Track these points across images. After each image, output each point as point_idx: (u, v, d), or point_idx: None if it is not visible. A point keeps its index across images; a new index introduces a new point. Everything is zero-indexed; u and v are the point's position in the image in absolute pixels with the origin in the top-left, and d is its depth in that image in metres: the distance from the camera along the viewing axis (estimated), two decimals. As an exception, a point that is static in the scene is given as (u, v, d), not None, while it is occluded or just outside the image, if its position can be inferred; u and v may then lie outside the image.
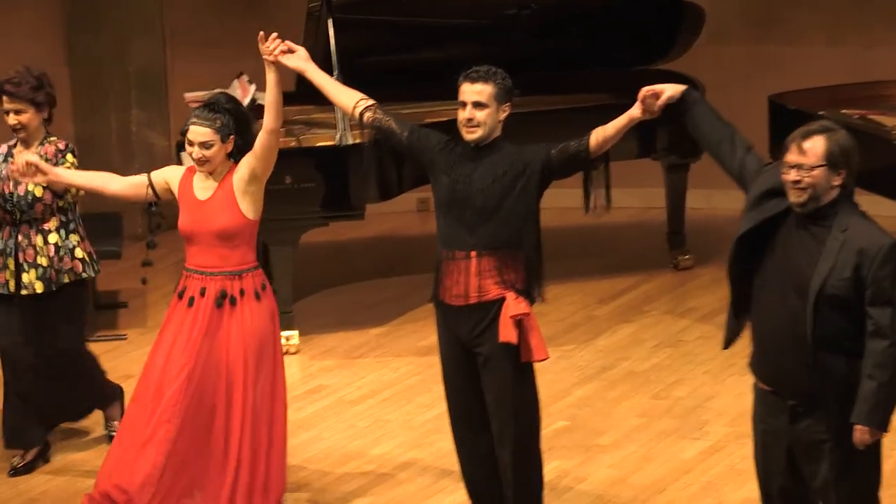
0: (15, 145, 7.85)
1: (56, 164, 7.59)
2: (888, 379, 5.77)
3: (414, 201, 11.81)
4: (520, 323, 6.61)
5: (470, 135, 6.65)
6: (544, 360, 6.73)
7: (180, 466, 7.07)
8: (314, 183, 9.37)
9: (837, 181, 5.83)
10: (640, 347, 9.35)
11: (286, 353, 9.43)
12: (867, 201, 10.28)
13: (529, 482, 6.88)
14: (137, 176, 7.31)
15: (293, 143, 9.79)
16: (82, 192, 7.66)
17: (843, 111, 9.94)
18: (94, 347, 8.56)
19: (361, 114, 6.92)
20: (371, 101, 6.96)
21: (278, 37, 7.08)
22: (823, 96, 10.16)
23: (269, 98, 7.00)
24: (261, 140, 7.04)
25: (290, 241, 9.46)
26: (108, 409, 8.28)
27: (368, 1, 10.06)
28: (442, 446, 8.13)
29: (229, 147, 7.08)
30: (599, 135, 6.69)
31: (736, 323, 6.12)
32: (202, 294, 7.07)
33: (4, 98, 7.72)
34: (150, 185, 7.21)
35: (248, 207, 7.07)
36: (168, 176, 7.22)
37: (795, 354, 5.84)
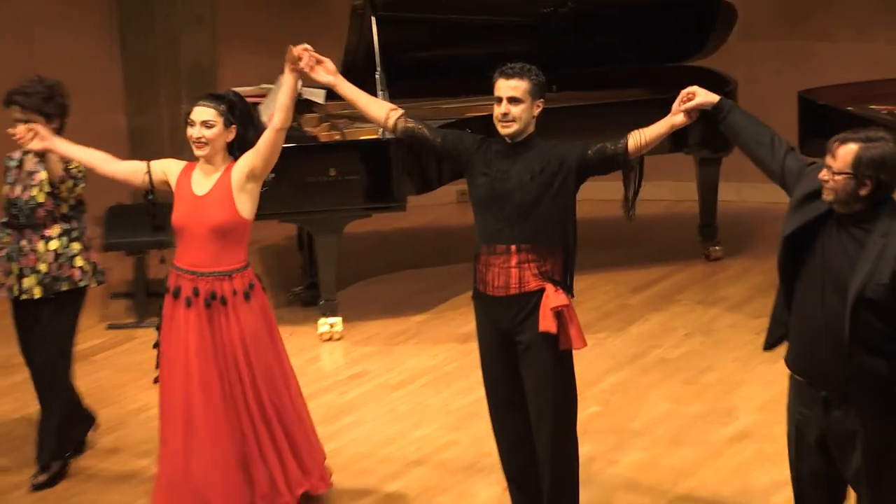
0: (27, 153, 7.60)
1: (66, 175, 7.45)
2: None
3: (454, 193, 11.79)
4: (559, 314, 6.61)
5: (506, 129, 6.62)
6: (582, 348, 6.71)
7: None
8: (358, 175, 9.35)
9: (864, 192, 5.80)
10: (672, 335, 9.33)
11: (330, 339, 9.45)
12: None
13: (566, 466, 6.86)
14: (137, 162, 7.12)
15: (337, 137, 9.79)
16: (78, 192, 7.49)
17: (872, 106, 9.89)
18: (145, 333, 8.56)
19: (395, 124, 6.85)
20: (401, 111, 6.90)
21: (308, 49, 7.03)
22: (852, 92, 10.10)
23: (283, 100, 6.92)
24: (266, 136, 6.95)
25: (334, 230, 9.45)
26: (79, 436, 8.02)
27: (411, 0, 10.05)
28: (479, 430, 8.11)
29: (230, 136, 6.96)
30: (638, 139, 6.65)
31: (781, 323, 6.08)
32: (196, 294, 6.92)
33: (15, 108, 7.44)
34: (149, 172, 7.04)
35: (244, 206, 6.94)
36: (167, 168, 7.06)
37: (831, 350, 5.83)
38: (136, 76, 11.59)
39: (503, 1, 10.48)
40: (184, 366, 6.92)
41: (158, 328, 7.03)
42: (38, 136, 7.16)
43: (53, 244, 7.56)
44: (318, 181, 9.33)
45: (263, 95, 10.05)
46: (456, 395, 8.67)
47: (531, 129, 6.66)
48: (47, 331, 7.62)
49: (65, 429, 7.78)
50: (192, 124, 6.92)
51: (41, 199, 7.53)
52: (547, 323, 6.57)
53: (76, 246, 7.61)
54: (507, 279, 6.64)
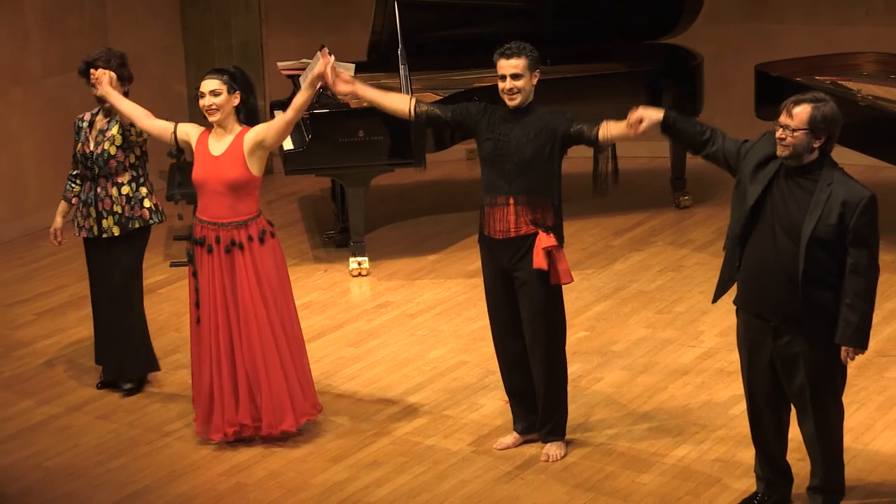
0: (97, 113, 7.71)
1: (131, 133, 7.53)
2: (866, 307, 5.82)
3: (463, 151, 11.75)
4: (549, 253, 6.65)
5: (513, 101, 6.67)
6: (569, 283, 6.72)
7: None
8: (382, 136, 9.33)
9: (817, 144, 5.81)
10: (648, 272, 9.31)
11: (359, 275, 9.44)
12: (835, 153, 10.24)
13: (557, 383, 6.91)
14: (167, 122, 7.17)
15: (365, 104, 9.75)
16: (145, 137, 7.53)
17: (817, 77, 9.85)
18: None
19: (416, 113, 6.89)
20: (414, 99, 6.93)
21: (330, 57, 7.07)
22: (801, 65, 10.05)
23: (292, 112, 6.94)
24: (278, 123, 6.96)
25: (362, 183, 9.43)
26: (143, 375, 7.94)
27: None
28: (485, 351, 8.13)
29: (235, 100, 6.96)
30: (605, 132, 6.64)
31: (728, 280, 6.09)
32: (217, 242, 6.97)
33: (93, 70, 7.46)
34: (175, 133, 7.09)
35: (254, 166, 6.96)
36: (189, 131, 7.08)
37: (784, 286, 5.85)
38: (195, 52, 11.55)
39: (505, -13, 10.46)
40: (211, 301, 7.01)
41: (191, 263, 7.09)
42: (104, 84, 7.32)
43: (125, 189, 7.61)
44: (349, 141, 9.31)
45: (302, 69, 10.02)
46: (465, 322, 8.67)
47: (531, 97, 6.70)
48: (121, 263, 7.67)
49: (139, 352, 7.80)
50: (203, 95, 6.97)
51: (113, 151, 7.57)
52: (539, 261, 6.64)
53: (143, 190, 7.65)
54: (506, 225, 6.70)
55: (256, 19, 11.65)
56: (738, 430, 7.11)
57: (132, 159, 7.62)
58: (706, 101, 10.48)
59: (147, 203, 7.65)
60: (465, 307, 8.88)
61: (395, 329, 8.62)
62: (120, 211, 7.60)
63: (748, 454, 6.78)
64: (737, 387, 7.58)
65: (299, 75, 9.97)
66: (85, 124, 7.72)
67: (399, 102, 6.96)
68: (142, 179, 7.66)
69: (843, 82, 9.65)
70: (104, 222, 7.61)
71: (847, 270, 5.79)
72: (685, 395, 7.57)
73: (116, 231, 7.60)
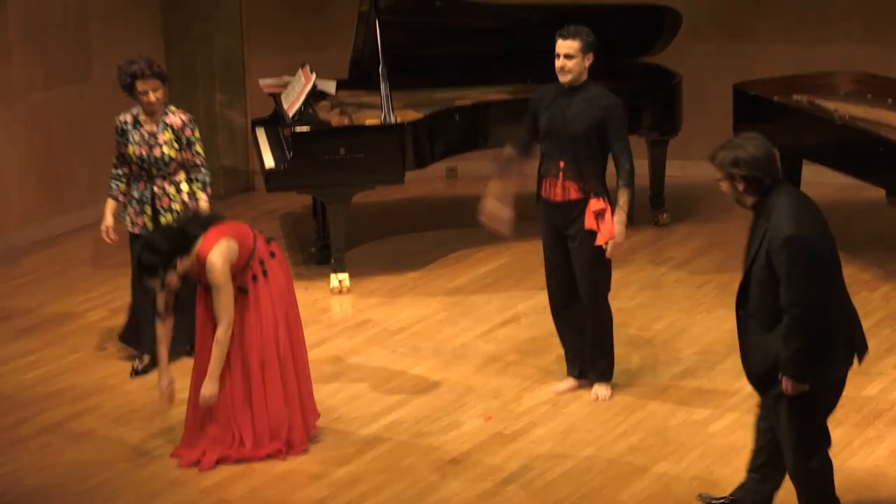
0: (138, 115, 7.97)
1: (186, 131, 7.90)
2: (794, 343, 5.76)
3: (443, 169, 11.74)
4: (598, 215, 7.36)
5: (563, 78, 7.34)
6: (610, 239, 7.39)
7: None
8: (363, 154, 9.31)
9: (741, 187, 5.84)
10: (627, 289, 9.31)
11: (340, 292, 9.42)
12: (813, 171, 10.29)
13: (603, 328, 7.64)
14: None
15: (346, 122, 9.76)
16: (198, 133, 7.97)
17: (795, 97, 9.87)
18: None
19: (523, 154, 7.61)
20: (510, 151, 7.64)
21: None
22: (779, 85, 10.07)
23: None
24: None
25: (343, 201, 9.41)
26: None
27: (408, 5, 9.98)
28: (464, 369, 8.13)
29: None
30: (620, 188, 7.40)
31: None
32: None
33: (140, 81, 7.82)
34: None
35: None
36: None
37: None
38: (178, 69, 11.51)
39: (486, 7, 10.44)
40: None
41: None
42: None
43: (183, 187, 7.96)
44: (330, 159, 9.29)
45: (284, 86, 10.02)
46: (446, 339, 8.65)
47: (584, 77, 7.38)
48: None
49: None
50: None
51: (172, 154, 7.91)
52: (590, 222, 7.37)
53: (195, 187, 7.98)
54: (558, 189, 7.40)
55: (238, 37, 11.64)
56: (717, 447, 7.11)
57: (188, 158, 7.96)
58: (685, 119, 10.50)
59: (203, 202, 7.96)
60: (445, 324, 8.87)
61: (376, 346, 8.61)
62: (179, 208, 7.91)
63: (727, 471, 6.79)
64: (715, 405, 7.60)
65: (281, 93, 9.97)
66: (129, 126, 7.97)
67: (514, 162, 7.64)
68: (192, 177, 8.00)
69: (820, 102, 9.68)
70: (162, 219, 7.91)
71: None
72: (664, 412, 7.57)
73: None
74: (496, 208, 7.59)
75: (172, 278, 6.79)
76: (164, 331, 7.03)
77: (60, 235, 10.68)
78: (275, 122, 10.03)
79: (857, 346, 6.00)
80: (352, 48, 10.01)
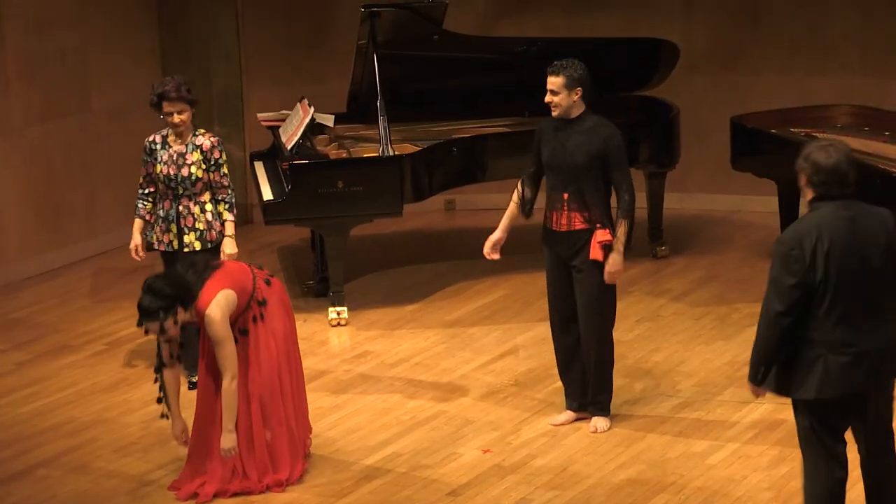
0: (167, 136, 8.13)
1: (215, 153, 8.03)
2: (755, 347, 5.84)
3: (441, 202, 11.75)
4: (605, 247, 7.41)
5: (553, 112, 7.48)
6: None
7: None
8: (361, 187, 9.33)
9: (803, 180, 5.84)
10: (626, 321, 9.30)
11: (338, 324, 9.42)
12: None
13: (605, 362, 7.64)
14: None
15: (344, 154, 9.78)
16: (224, 155, 8.11)
17: (792, 129, 9.89)
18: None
19: (528, 198, 7.67)
20: (516, 197, 7.68)
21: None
22: (776, 117, 10.09)
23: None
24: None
25: (341, 233, 9.42)
26: None
27: (406, 39, 10.00)
28: (463, 401, 8.13)
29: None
30: (619, 220, 7.46)
31: None
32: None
33: (167, 102, 7.97)
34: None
35: None
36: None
37: None
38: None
39: (484, 41, 10.47)
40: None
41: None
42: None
43: (208, 207, 8.10)
44: (328, 192, 9.31)
45: (282, 120, 10.04)
46: (444, 372, 8.65)
47: (579, 109, 7.45)
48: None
49: None
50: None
51: (199, 174, 8.04)
52: (595, 253, 7.41)
53: (222, 208, 8.11)
54: (563, 220, 7.48)
55: (237, 69, 11.67)
56: (716, 479, 7.10)
57: (214, 179, 8.08)
58: (682, 152, 10.52)
59: (229, 225, 8.09)
60: (443, 357, 8.86)
61: (374, 378, 8.60)
62: (203, 228, 8.05)
63: (726, 503, 6.77)
64: (714, 436, 7.59)
65: (279, 126, 9.99)
66: (158, 146, 8.14)
67: (513, 208, 7.70)
68: (219, 198, 8.14)
69: (817, 134, 9.70)
70: (185, 238, 8.05)
71: None
72: (662, 444, 7.55)
73: (198, 246, 8.06)
74: (501, 241, 7.74)
75: (172, 327, 6.78)
76: (171, 379, 7.03)
77: (59, 268, 10.69)
78: (273, 155, 10.04)
79: (854, 380, 5.87)
80: (350, 81, 10.03)
